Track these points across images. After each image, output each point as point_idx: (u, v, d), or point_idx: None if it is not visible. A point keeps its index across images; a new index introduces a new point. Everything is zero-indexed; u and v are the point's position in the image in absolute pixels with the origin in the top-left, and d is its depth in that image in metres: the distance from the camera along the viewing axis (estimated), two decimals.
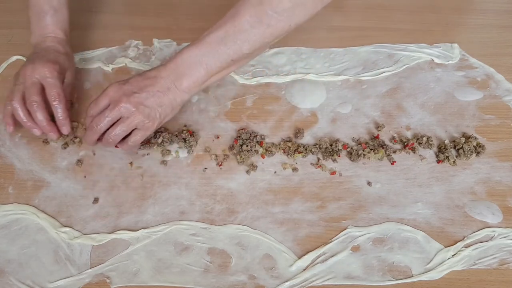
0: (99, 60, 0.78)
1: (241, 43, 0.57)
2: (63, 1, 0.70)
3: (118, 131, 0.59)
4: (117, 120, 0.59)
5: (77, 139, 0.67)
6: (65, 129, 0.64)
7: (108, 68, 0.77)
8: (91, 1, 0.88)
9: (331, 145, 0.66)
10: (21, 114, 0.63)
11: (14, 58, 0.78)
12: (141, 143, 0.65)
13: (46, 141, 0.67)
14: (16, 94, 0.63)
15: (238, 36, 0.57)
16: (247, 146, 0.65)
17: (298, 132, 0.68)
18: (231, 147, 0.66)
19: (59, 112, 0.63)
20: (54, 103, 0.63)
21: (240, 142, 0.66)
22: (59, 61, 0.66)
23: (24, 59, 0.78)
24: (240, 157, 0.64)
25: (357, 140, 0.67)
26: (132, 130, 0.60)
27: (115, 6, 0.88)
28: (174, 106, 0.61)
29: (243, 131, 0.68)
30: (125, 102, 0.57)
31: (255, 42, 0.58)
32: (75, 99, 0.73)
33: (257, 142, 0.66)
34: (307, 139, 0.68)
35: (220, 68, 0.60)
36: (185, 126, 0.69)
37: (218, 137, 0.68)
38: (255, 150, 0.65)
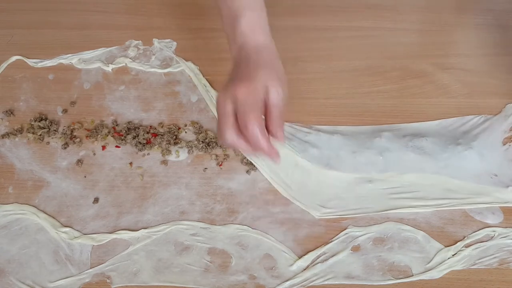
0: (99, 60, 0.78)
1: None
2: None
3: None
4: None
5: (77, 139, 0.67)
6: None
7: (108, 68, 0.76)
8: (91, 1, 0.88)
9: None
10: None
11: (14, 58, 0.78)
12: (142, 143, 0.66)
13: (46, 141, 0.68)
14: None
15: None
16: None
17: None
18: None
19: None
20: None
21: None
22: None
23: (24, 59, 0.78)
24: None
25: None
26: None
27: (115, 6, 0.88)
28: None
29: None
30: None
31: None
32: (75, 99, 0.73)
33: None
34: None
35: None
36: (186, 125, 0.69)
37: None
38: None
